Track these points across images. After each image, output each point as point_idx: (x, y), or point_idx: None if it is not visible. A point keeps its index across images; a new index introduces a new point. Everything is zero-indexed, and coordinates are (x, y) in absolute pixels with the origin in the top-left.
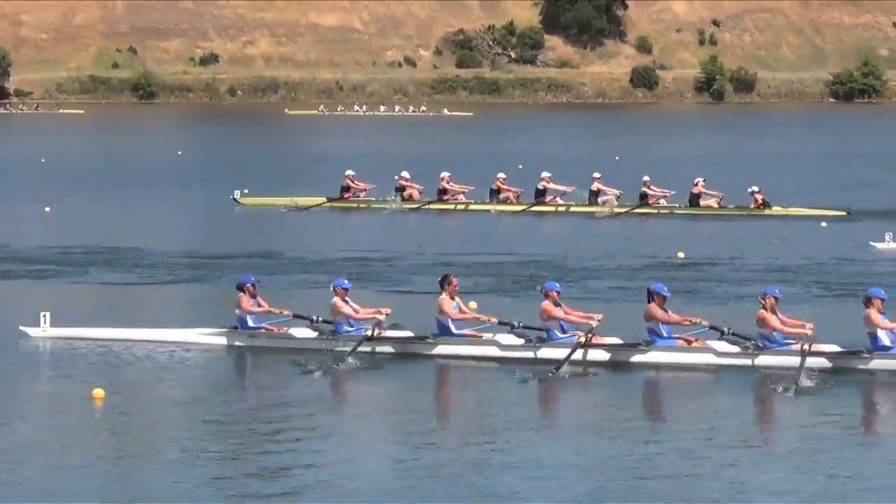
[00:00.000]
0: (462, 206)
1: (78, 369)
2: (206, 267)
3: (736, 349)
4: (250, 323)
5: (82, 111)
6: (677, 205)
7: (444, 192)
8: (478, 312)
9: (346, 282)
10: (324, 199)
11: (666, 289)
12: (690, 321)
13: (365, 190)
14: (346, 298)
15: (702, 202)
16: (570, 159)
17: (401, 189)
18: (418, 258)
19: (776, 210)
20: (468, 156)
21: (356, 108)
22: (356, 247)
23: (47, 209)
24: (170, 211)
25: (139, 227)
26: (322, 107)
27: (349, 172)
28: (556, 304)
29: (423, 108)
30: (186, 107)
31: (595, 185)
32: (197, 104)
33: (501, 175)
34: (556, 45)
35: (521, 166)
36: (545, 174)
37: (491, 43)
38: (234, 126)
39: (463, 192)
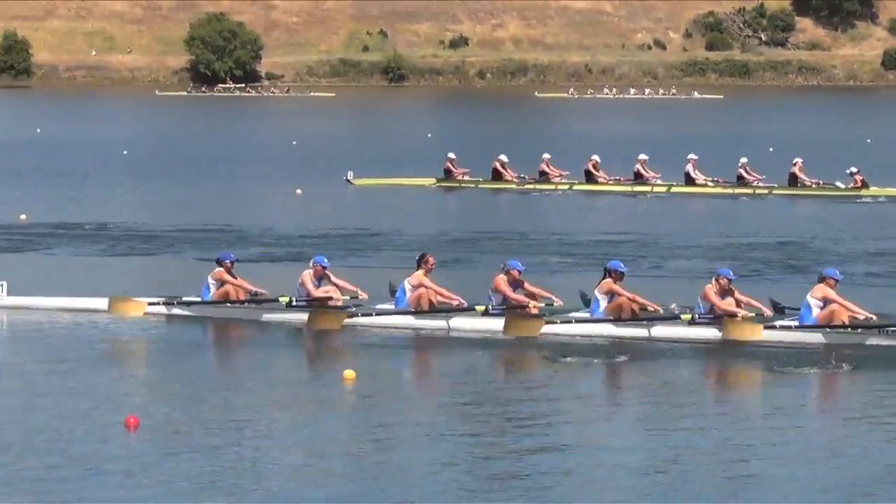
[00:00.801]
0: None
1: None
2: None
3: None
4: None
5: (333, 94)
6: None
7: (543, 174)
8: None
9: (325, 260)
10: (433, 181)
11: (622, 265)
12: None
13: (464, 173)
14: (326, 275)
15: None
16: (822, 142)
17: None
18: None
19: (873, 190)
20: (717, 139)
21: (605, 90)
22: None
23: (298, 192)
24: (420, 195)
25: (393, 210)
26: (572, 90)
27: (451, 155)
28: (514, 284)
29: (673, 90)
30: (436, 90)
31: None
32: (446, 87)
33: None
34: (806, 28)
35: (771, 149)
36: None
37: (741, 25)
38: (483, 109)
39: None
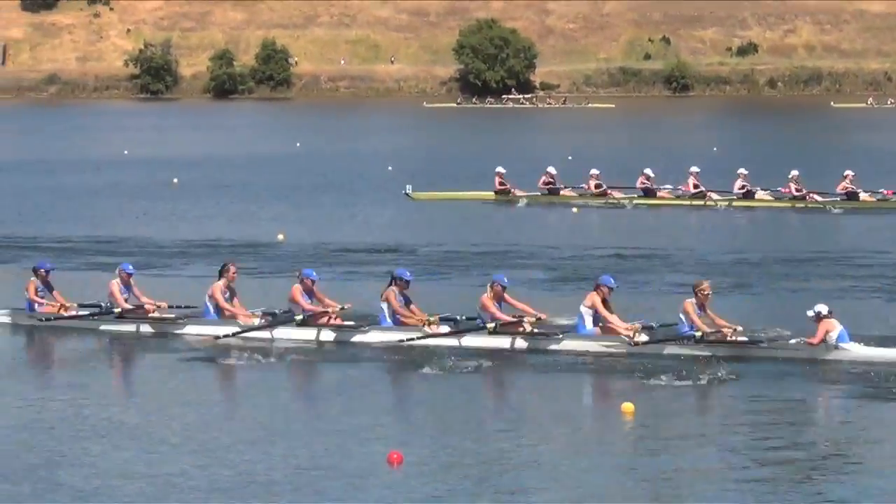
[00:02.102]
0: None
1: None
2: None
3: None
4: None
5: (612, 105)
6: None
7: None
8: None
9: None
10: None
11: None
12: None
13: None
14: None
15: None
16: None
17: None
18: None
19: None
20: None
21: None
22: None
23: (574, 210)
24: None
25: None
26: (870, 99)
27: (499, 170)
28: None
29: None
30: (722, 100)
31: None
32: (733, 97)
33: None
34: None
35: None
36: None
37: None
38: (774, 121)
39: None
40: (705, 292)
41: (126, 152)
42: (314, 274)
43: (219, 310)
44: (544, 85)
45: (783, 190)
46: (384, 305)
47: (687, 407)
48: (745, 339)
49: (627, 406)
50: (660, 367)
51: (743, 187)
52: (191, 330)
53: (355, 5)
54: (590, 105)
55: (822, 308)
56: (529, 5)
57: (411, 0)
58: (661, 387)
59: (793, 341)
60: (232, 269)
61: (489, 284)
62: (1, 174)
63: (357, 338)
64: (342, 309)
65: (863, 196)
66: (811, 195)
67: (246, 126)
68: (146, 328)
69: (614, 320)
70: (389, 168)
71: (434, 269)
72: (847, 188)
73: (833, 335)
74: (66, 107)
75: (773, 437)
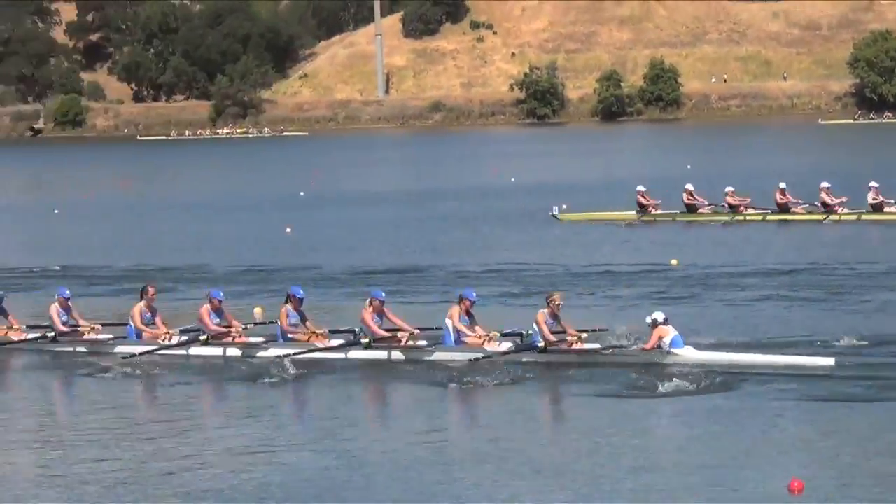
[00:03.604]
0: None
1: None
2: None
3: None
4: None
5: None
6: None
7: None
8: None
9: (220, 294)
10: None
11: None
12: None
13: (655, 205)
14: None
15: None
16: None
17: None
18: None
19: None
20: None
21: None
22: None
23: None
24: None
25: None
26: None
27: (640, 188)
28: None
29: None
30: None
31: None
32: None
33: (782, 184)
34: None
35: None
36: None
37: None
38: None
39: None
40: (556, 303)
41: (513, 179)
42: (221, 294)
43: (138, 331)
44: None
45: None
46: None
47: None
48: (587, 346)
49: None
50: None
51: None
52: (119, 350)
53: (745, 20)
54: None
55: (659, 315)
56: None
57: (803, 13)
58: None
59: (631, 347)
60: (151, 290)
61: (368, 300)
62: (385, 205)
63: (260, 353)
64: (245, 328)
65: None
66: None
67: (634, 149)
68: (81, 349)
69: (469, 331)
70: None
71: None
72: None
73: (666, 341)
74: (451, 134)
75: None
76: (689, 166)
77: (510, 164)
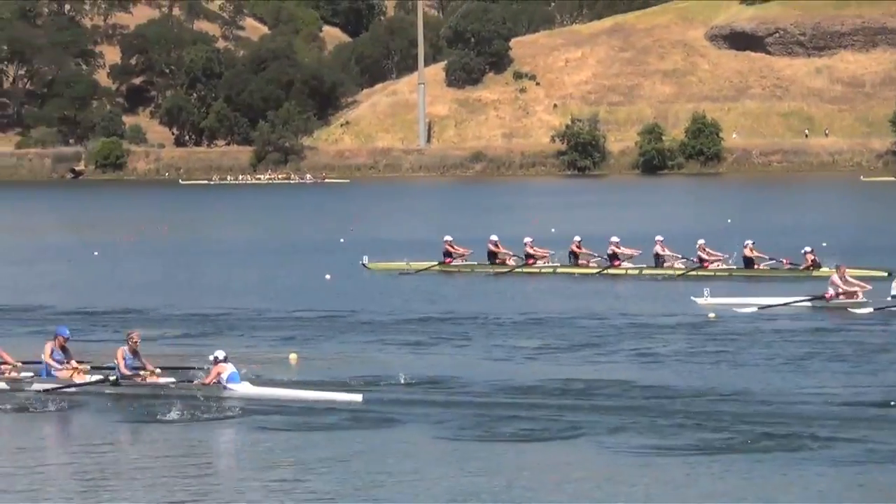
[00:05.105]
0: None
1: None
2: None
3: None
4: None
5: None
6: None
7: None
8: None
9: (66, 330)
10: (434, 263)
11: (67, 331)
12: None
13: (463, 255)
14: (65, 346)
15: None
16: None
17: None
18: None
19: (824, 271)
20: None
21: None
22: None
23: None
24: None
25: None
26: None
27: (447, 238)
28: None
29: None
30: None
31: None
32: None
33: (577, 238)
34: None
35: None
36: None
37: None
38: None
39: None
40: (134, 340)
41: (553, 230)
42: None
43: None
44: None
45: None
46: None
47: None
48: (161, 381)
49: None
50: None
51: None
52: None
53: (788, 76)
54: None
55: (220, 353)
56: None
57: (846, 70)
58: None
59: (194, 382)
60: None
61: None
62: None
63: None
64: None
65: None
66: None
67: (675, 202)
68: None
69: (58, 365)
70: (824, 244)
71: None
72: None
73: (224, 376)
74: (492, 184)
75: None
76: (729, 220)
77: (553, 215)
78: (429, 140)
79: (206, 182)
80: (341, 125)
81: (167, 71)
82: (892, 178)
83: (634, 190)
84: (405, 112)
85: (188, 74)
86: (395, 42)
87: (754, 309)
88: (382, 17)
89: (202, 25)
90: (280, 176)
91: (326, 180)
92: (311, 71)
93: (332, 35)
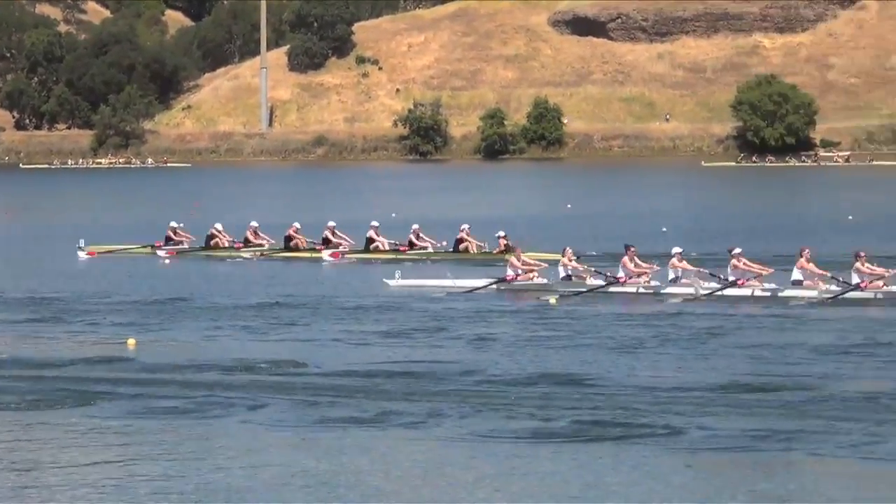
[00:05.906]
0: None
1: None
2: None
3: None
4: None
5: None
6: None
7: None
8: None
9: None
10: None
11: None
12: None
13: (185, 240)
14: None
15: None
16: None
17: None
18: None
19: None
20: None
21: None
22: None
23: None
24: None
25: None
26: None
27: (173, 224)
28: None
29: None
30: None
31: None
32: None
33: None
34: None
35: None
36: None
37: None
38: None
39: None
40: None
41: (394, 215)
42: None
43: None
44: (825, 142)
45: None
46: None
47: None
48: None
49: None
50: None
51: None
52: None
53: (630, 62)
54: (873, 163)
55: None
56: (810, 60)
57: (688, 56)
58: None
59: None
60: None
61: None
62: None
63: None
64: None
65: None
66: None
67: (517, 187)
68: None
69: None
70: (664, 229)
71: None
72: None
73: None
74: (334, 168)
75: None
76: (569, 205)
77: (393, 200)
78: (271, 124)
79: (46, 166)
80: (183, 109)
81: (8, 55)
82: (733, 163)
83: (474, 175)
84: (247, 96)
85: (29, 58)
86: (238, 26)
87: (443, 293)
88: (225, 1)
89: (44, 9)
90: (121, 160)
91: (168, 164)
92: (153, 54)
93: (175, 19)
